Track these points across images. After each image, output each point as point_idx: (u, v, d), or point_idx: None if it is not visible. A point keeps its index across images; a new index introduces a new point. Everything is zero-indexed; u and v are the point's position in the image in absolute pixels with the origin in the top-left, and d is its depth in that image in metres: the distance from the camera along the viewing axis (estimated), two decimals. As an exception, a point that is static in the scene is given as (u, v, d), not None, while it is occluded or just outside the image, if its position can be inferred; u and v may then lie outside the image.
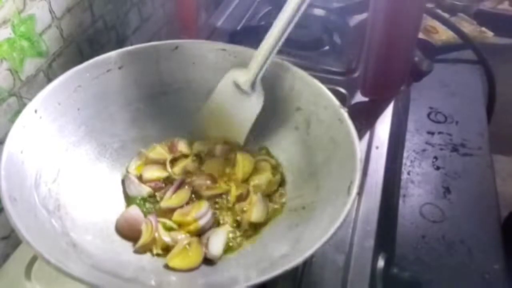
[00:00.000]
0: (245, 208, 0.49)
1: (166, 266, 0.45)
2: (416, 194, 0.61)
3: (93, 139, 0.51)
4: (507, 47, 0.89)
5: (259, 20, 0.82)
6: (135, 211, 0.49)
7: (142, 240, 0.46)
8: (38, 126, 0.45)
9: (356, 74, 0.69)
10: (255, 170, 0.52)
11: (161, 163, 0.54)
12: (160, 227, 0.47)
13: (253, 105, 0.52)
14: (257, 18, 0.83)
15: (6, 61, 0.50)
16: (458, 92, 0.77)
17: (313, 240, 0.38)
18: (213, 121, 0.55)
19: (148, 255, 0.46)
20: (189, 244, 0.46)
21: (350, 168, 0.42)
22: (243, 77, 0.51)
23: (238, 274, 0.44)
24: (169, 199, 0.50)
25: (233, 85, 0.52)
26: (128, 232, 0.47)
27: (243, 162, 0.52)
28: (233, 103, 0.52)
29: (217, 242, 0.46)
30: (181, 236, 0.47)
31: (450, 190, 0.62)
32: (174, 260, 0.44)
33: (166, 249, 0.46)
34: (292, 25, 0.48)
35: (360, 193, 0.54)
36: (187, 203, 0.50)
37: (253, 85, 0.51)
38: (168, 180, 0.53)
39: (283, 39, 0.48)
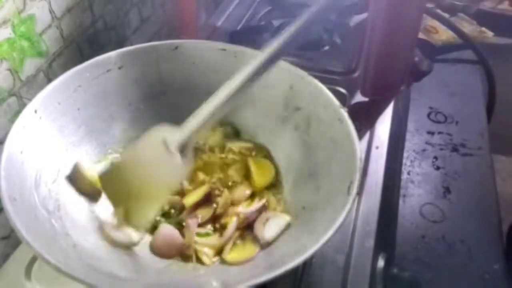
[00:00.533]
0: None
1: (223, 261, 0.45)
2: (416, 194, 0.61)
3: (93, 139, 0.51)
4: (507, 47, 0.89)
5: (259, 20, 0.82)
6: (168, 229, 0.47)
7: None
8: (38, 126, 0.45)
9: (356, 74, 0.69)
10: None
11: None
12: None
13: (177, 169, 0.44)
14: (257, 18, 0.83)
15: (6, 61, 0.50)
16: (458, 92, 0.77)
17: (313, 240, 0.38)
18: (123, 181, 0.45)
19: (149, 255, 0.46)
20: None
21: (350, 168, 0.42)
22: (173, 136, 0.44)
23: (238, 274, 0.44)
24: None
25: (160, 141, 0.44)
26: (166, 251, 0.46)
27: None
28: (155, 161, 0.44)
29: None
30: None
31: (450, 190, 0.62)
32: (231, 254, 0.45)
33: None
34: (237, 95, 0.42)
35: (360, 193, 0.54)
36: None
37: (181, 148, 0.44)
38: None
39: (225, 108, 0.43)
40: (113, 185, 0.45)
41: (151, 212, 0.45)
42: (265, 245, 0.45)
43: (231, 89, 0.42)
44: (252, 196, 0.51)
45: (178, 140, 0.44)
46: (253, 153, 0.55)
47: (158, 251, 0.46)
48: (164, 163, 0.44)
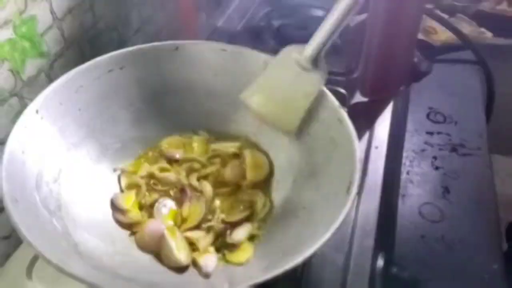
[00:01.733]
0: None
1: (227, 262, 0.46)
2: (416, 194, 0.61)
3: (94, 140, 0.51)
4: (507, 47, 0.89)
5: (259, 20, 0.82)
6: (154, 224, 0.48)
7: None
8: (40, 126, 0.45)
9: (356, 74, 0.70)
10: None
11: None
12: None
13: (314, 83, 0.48)
14: (257, 19, 0.83)
15: (7, 61, 0.50)
16: (457, 93, 0.77)
17: (312, 240, 0.38)
18: (265, 98, 0.51)
19: (148, 255, 0.46)
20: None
21: (349, 168, 0.43)
22: (304, 52, 0.48)
23: (238, 274, 0.44)
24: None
25: (292, 61, 0.49)
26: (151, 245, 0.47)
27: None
28: (290, 78, 0.49)
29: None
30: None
31: (449, 190, 0.62)
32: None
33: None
34: None
35: (359, 193, 0.54)
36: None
37: (315, 61, 0.48)
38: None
39: (354, 10, 0.46)
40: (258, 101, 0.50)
41: (297, 118, 0.49)
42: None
43: (345, 5, 0.45)
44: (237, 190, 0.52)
45: (309, 55, 0.48)
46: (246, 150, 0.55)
47: (143, 244, 0.47)
48: (302, 80, 0.49)
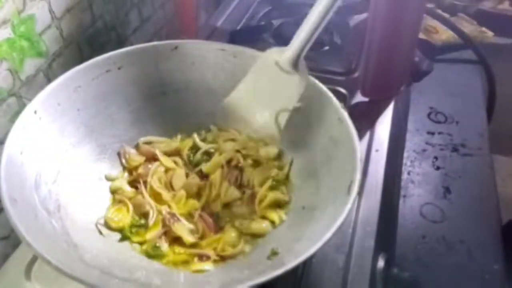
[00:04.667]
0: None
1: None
2: (416, 194, 0.61)
3: (93, 140, 0.51)
4: (507, 47, 0.89)
5: (259, 20, 0.82)
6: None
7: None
8: (38, 126, 0.45)
9: (356, 74, 0.69)
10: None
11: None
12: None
13: (295, 86, 0.47)
14: (257, 18, 0.83)
15: (6, 61, 0.50)
16: (458, 92, 0.77)
17: (313, 240, 0.38)
18: (243, 107, 0.50)
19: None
20: None
21: (350, 168, 0.42)
22: (284, 55, 0.47)
23: (238, 274, 0.44)
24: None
25: (273, 64, 0.48)
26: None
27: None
28: (271, 82, 0.48)
29: None
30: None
31: (450, 190, 0.62)
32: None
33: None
34: None
35: (360, 194, 0.54)
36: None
37: (295, 64, 0.47)
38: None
39: (332, 10, 0.45)
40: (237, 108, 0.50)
41: (279, 123, 0.48)
42: None
43: (323, 6, 0.45)
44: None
45: (289, 57, 0.47)
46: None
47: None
48: (282, 83, 0.48)
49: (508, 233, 0.57)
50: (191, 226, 0.47)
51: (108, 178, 0.51)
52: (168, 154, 0.54)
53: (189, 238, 0.46)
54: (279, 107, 0.49)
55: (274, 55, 0.48)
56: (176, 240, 0.47)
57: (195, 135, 0.55)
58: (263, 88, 0.49)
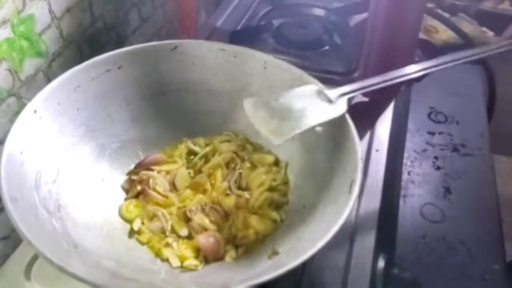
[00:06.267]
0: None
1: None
2: (417, 194, 0.61)
3: (92, 139, 0.51)
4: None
5: (259, 20, 0.82)
6: None
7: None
8: (38, 126, 0.45)
9: (356, 74, 0.69)
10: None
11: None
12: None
13: (328, 111, 0.47)
14: (257, 18, 0.82)
15: (5, 61, 0.50)
16: (458, 92, 0.77)
17: (313, 239, 0.38)
18: (261, 104, 0.49)
19: (149, 255, 0.46)
20: None
21: (351, 167, 0.42)
22: (337, 89, 0.49)
23: (238, 274, 0.44)
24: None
25: (313, 91, 0.49)
26: None
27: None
28: (303, 100, 0.48)
29: None
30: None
31: (450, 190, 0.62)
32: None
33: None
34: None
35: (360, 194, 0.54)
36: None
37: (338, 98, 0.48)
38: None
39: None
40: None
41: (290, 133, 0.46)
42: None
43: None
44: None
45: (341, 91, 0.49)
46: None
47: None
48: (316, 105, 0.48)
49: None
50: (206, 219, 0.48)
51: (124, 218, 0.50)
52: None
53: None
54: (299, 120, 0.47)
55: (316, 86, 0.49)
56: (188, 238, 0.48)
57: (189, 142, 0.56)
58: (290, 100, 0.48)
